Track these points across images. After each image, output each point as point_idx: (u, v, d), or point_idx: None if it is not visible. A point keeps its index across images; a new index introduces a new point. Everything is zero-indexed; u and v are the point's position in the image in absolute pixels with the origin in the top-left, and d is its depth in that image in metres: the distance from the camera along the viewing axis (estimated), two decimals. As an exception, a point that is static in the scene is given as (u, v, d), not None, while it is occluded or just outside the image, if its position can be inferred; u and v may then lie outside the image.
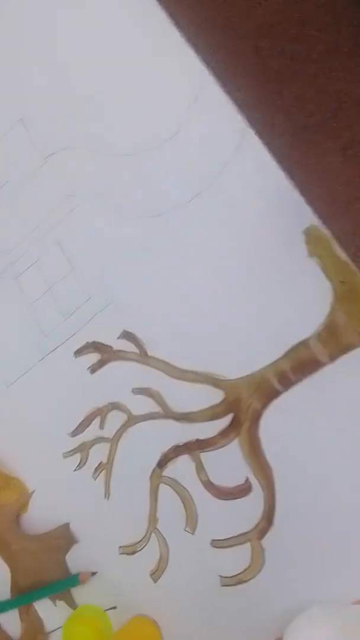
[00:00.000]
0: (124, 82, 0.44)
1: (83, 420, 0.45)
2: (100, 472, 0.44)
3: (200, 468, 0.41)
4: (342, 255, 0.37)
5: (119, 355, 0.44)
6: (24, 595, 0.45)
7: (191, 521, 0.41)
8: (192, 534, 0.41)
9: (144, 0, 0.43)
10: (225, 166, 0.41)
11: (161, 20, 0.43)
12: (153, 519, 0.42)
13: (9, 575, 0.47)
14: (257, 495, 0.39)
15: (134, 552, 0.43)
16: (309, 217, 0.39)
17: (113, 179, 0.44)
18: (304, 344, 0.38)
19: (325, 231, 0.38)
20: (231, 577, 0.39)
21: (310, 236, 0.38)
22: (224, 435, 0.40)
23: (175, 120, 0.43)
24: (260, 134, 0.41)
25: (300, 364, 0.38)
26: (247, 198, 0.40)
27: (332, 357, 0.37)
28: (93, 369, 0.45)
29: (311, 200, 0.40)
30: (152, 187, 0.43)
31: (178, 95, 0.43)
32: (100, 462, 0.44)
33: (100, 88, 0.45)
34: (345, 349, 0.37)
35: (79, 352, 0.45)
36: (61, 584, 0.44)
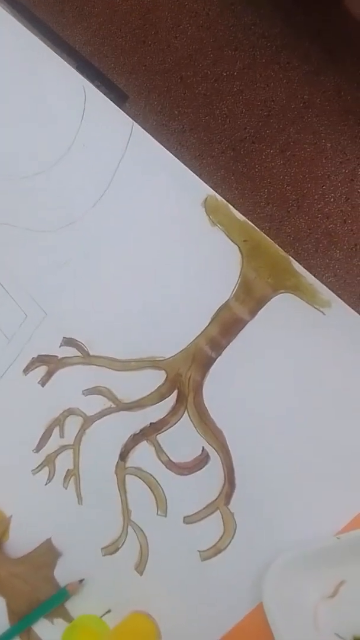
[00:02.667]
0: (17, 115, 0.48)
1: (44, 434, 0.46)
2: (70, 479, 0.45)
3: (159, 450, 0.42)
4: (240, 216, 0.40)
5: (64, 362, 0.45)
6: (19, 623, 0.45)
7: (161, 504, 0.41)
8: (165, 516, 0.41)
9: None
10: (119, 164, 0.43)
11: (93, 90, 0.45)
12: (126, 512, 0.43)
13: (4, 603, 0.46)
14: (215, 462, 0.40)
15: (116, 550, 0.43)
16: (204, 190, 0.41)
17: (21, 199, 0.47)
18: (225, 306, 0.40)
19: (220, 198, 0.40)
20: (208, 549, 0.40)
21: (209, 207, 0.41)
22: (174, 412, 0.41)
23: (68, 135, 0.46)
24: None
25: (226, 326, 0.40)
26: (145, 187, 0.43)
27: (252, 313, 0.39)
28: (43, 381, 0.46)
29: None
30: (57, 200, 0.45)
31: (68, 112, 0.46)
32: (68, 470, 0.45)
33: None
34: (261, 301, 0.39)
35: (27, 369, 0.47)
36: (52, 601, 0.44)
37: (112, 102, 0.44)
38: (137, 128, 0.44)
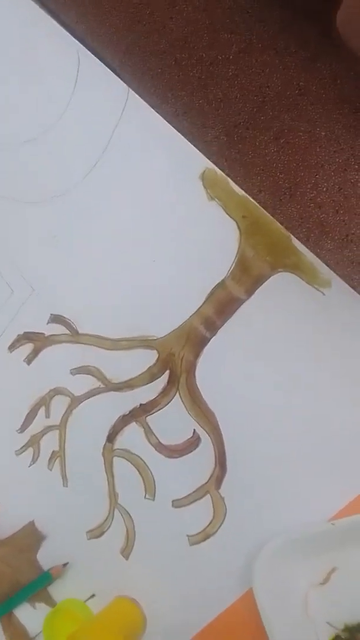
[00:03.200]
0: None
1: (28, 413, 0.44)
2: (55, 460, 0.43)
3: (149, 432, 0.40)
4: (240, 191, 0.38)
5: (51, 340, 0.44)
6: (1, 605, 0.44)
7: (150, 487, 0.40)
8: (153, 499, 0.40)
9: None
10: (113, 132, 0.41)
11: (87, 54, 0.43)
12: (113, 495, 0.41)
13: (-16, 588, 0.45)
14: (207, 445, 0.39)
15: (101, 534, 0.42)
16: (202, 162, 0.39)
17: (8, 167, 0.44)
18: (220, 285, 0.38)
19: (219, 171, 0.39)
20: (198, 533, 0.39)
21: (207, 180, 0.39)
22: (165, 393, 0.40)
23: (61, 102, 0.43)
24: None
25: (221, 306, 0.38)
26: (140, 159, 0.41)
27: (249, 292, 0.37)
28: (29, 359, 0.44)
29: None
30: (47, 170, 0.43)
31: (60, 79, 0.43)
32: (53, 451, 0.43)
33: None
34: (258, 280, 0.37)
35: (12, 346, 0.45)
36: (34, 584, 0.43)
37: (106, 67, 0.42)
38: (133, 95, 0.42)
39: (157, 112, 0.41)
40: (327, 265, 0.37)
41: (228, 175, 0.40)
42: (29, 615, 0.44)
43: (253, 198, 0.39)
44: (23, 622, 0.44)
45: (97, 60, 0.42)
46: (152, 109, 0.41)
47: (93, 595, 0.42)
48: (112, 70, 0.42)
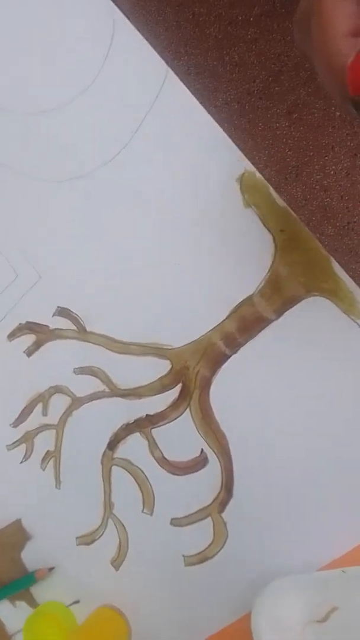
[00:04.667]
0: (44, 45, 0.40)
1: (24, 409, 0.41)
2: (49, 461, 0.41)
3: (153, 445, 0.38)
4: (281, 202, 0.35)
5: (56, 334, 0.41)
6: (-20, 601, 0.42)
7: (148, 502, 0.38)
8: (151, 515, 0.38)
9: None
10: (145, 116, 0.37)
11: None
12: (108, 505, 0.39)
13: None
14: (214, 466, 0.37)
15: (92, 542, 0.40)
16: (242, 163, 0.36)
17: (28, 139, 0.40)
18: (248, 301, 0.36)
19: (260, 176, 0.35)
20: (195, 555, 0.37)
21: (246, 184, 0.35)
22: (175, 407, 0.38)
23: (91, 72, 0.39)
24: (205, 103, 0.38)
25: (245, 323, 0.36)
26: (173, 149, 0.37)
27: (277, 312, 0.35)
28: (29, 351, 0.41)
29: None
30: (71, 145, 0.39)
31: (95, 45, 0.39)
32: (48, 451, 0.41)
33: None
34: (290, 302, 0.34)
35: (12, 335, 0.42)
36: (17, 584, 0.41)
37: (146, 41, 0.38)
38: (172, 76, 0.37)
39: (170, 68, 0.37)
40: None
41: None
42: (8, 611, 0.42)
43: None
44: (2, 619, 0.42)
45: (136, 30, 0.38)
46: (192, 96, 0.36)
47: (77, 601, 0.41)
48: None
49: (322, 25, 0.22)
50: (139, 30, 0.38)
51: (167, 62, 0.37)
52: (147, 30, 0.39)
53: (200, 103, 0.37)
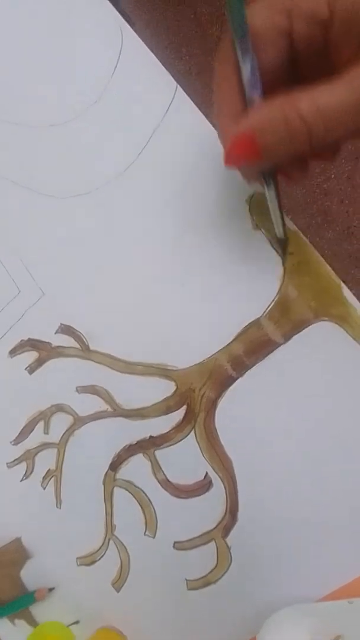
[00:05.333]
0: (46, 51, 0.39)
1: (25, 426, 0.41)
2: (49, 480, 0.40)
3: (156, 467, 0.38)
4: (292, 225, 0.34)
5: (58, 351, 0.40)
6: (-22, 619, 0.42)
7: (151, 525, 0.38)
8: (153, 537, 0.38)
9: None
10: (153, 133, 0.36)
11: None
12: (110, 526, 0.39)
13: None
14: (218, 490, 0.36)
15: (92, 562, 0.39)
16: (252, 185, 0.35)
17: (35, 154, 0.39)
18: (255, 323, 0.35)
19: (270, 199, 0.34)
20: (197, 579, 0.37)
21: (255, 206, 0.35)
22: (179, 429, 0.37)
23: (99, 85, 0.38)
24: (204, 104, 0.37)
25: (253, 346, 0.35)
26: (181, 167, 0.36)
27: (286, 336, 0.34)
28: (31, 368, 0.41)
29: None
30: (77, 161, 0.38)
31: (102, 60, 0.38)
32: (49, 470, 0.40)
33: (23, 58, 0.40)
34: (299, 326, 0.34)
35: (13, 352, 0.41)
36: (16, 603, 0.41)
37: (154, 56, 0.37)
38: (181, 93, 0.37)
39: (168, 70, 0.36)
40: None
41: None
42: (7, 630, 0.42)
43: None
44: (1, 637, 0.42)
45: (144, 45, 0.37)
46: (201, 114, 0.36)
47: (77, 622, 0.40)
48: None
49: (214, 99, 0.26)
50: (140, 30, 0.37)
51: (167, 62, 0.37)
52: (149, 30, 0.38)
53: (199, 104, 0.36)
